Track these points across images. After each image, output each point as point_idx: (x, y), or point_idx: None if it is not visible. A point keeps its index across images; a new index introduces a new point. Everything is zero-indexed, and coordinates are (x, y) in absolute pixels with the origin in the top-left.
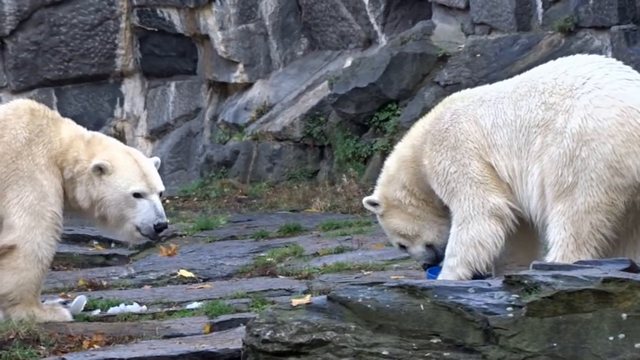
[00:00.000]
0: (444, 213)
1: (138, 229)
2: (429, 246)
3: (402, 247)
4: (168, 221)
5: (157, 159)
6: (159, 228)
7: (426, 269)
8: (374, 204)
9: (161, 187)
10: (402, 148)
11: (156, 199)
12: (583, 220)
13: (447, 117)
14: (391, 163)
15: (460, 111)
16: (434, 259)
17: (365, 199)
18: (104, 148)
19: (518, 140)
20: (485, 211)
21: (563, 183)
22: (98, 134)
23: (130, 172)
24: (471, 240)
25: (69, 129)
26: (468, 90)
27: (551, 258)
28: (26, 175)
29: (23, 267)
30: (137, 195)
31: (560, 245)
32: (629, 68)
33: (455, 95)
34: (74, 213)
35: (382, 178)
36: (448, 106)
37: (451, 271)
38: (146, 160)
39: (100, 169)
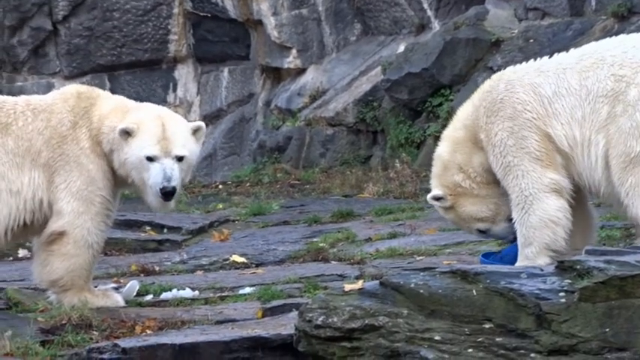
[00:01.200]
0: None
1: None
2: (511, 219)
3: (482, 232)
4: (175, 185)
5: (200, 123)
6: (164, 192)
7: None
8: (439, 198)
9: (178, 152)
10: (453, 132)
11: (169, 163)
12: None
13: (500, 87)
14: (443, 149)
15: (515, 81)
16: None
17: (429, 196)
18: (136, 112)
19: (582, 109)
20: (545, 187)
21: (630, 153)
22: (144, 104)
23: (149, 135)
24: (541, 220)
25: (110, 103)
26: (517, 65)
27: None
28: (72, 159)
29: (73, 253)
30: (150, 159)
31: None
32: None
33: (504, 70)
34: (125, 187)
35: (436, 169)
36: (499, 78)
37: (532, 262)
38: (177, 124)
39: (127, 133)
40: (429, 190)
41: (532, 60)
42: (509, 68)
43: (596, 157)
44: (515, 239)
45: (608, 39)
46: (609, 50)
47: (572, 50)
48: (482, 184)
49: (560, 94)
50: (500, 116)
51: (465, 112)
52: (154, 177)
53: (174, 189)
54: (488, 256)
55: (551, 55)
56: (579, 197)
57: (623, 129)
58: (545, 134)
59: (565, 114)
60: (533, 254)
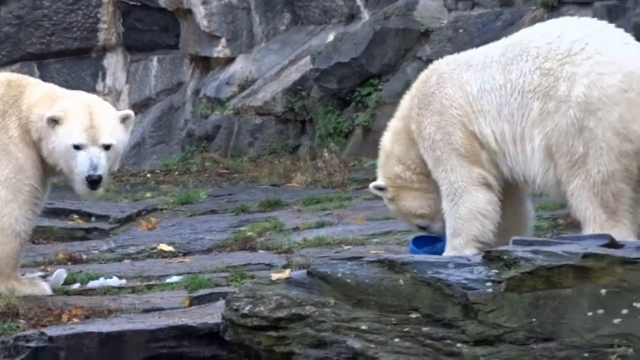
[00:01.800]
0: None
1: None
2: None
3: (423, 227)
4: (101, 174)
5: (129, 112)
6: (90, 180)
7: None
8: (381, 188)
9: (105, 140)
10: (394, 122)
11: (95, 151)
12: (604, 191)
13: (432, 80)
14: (385, 139)
15: (446, 75)
16: None
17: (371, 185)
18: (64, 100)
19: (509, 105)
20: (474, 180)
21: (575, 154)
22: (74, 92)
23: (76, 123)
24: (470, 212)
25: (39, 91)
26: (455, 54)
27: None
28: (1, 148)
29: (0, 241)
30: (77, 147)
31: (593, 220)
32: (621, 31)
33: (440, 60)
34: (55, 176)
35: (380, 159)
36: (433, 69)
37: (459, 253)
38: (105, 112)
39: (54, 121)
40: (356, 180)
41: (468, 50)
42: (445, 59)
43: (532, 151)
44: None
45: (533, 27)
46: (533, 41)
47: (501, 40)
48: (421, 177)
49: (485, 90)
50: (429, 110)
51: (404, 102)
52: (81, 165)
53: (100, 177)
54: (419, 245)
55: (481, 45)
56: (516, 194)
57: (561, 127)
58: (470, 132)
59: (492, 110)
60: (461, 245)
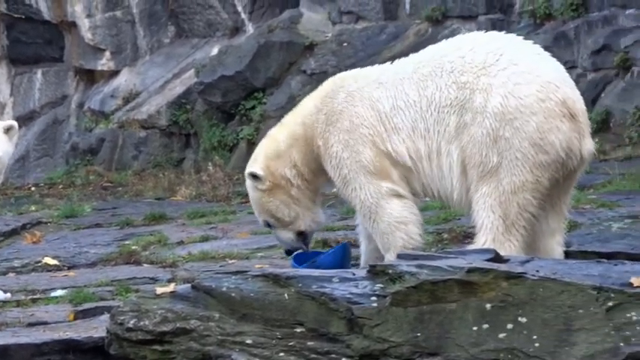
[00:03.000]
0: (318, 200)
1: None
2: (301, 233)
3: (269, 226)
4: None
5: (12, 122)
6: None
7: (290, 255)
8: (256, 177)
9: None
10: (293, 125)
11: None
12: (510, 201)
13: (340, 97)
14: (281, 137)
15: (355, 93)
16: (299, 247)
17: (248, 171)
18: None
19: (425, 121)
20: (384, 194)
21: (488, 163)
22: None
23: None
24: (389, 225)
25: None
26: (359, 70)
27: (480, 242)
28: None
29: None
30: None
31: (489, 228)
32: (530, 42)
33: (346, 75)
34: None
35: (269, 150)
36: (340, 85)
37: None
38: None
39: None
40: (241, 194)
41: (374, 66)
42: (352, 75)
43: (449, 167)
44: (290, 252)
45: (443, 43)
46: (446, 56)
47: (410, 57)
48: (306, 188)
49: (399, 108)
50: (337, 127)
51: (306, 109)
52: None
53: None
54: (299, 261)
55: (366, 59)
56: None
57: (476, 138)
58: (380, 150)
59: (406, 128)
60: (394, 258)
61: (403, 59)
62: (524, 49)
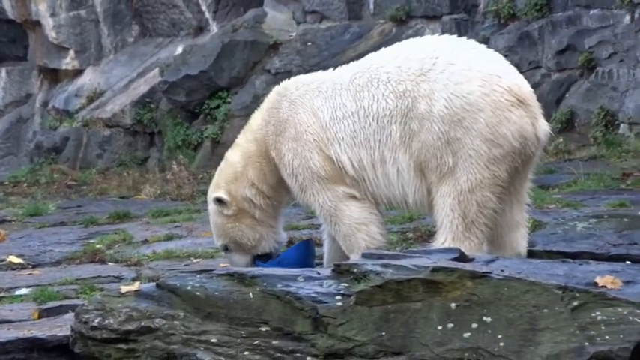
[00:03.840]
0: (280, 220)
1: None
2: (262, 255)
3: (226, 249)
4: None
5: None
6: None
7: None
8: (222, 202)
9: None
10: (245, 143)
11: None
12: (469, 200)
13: (284, 106)
14: (235, 158)
15: (297, 100)
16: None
17: (213, 196)
18: None
19: (364, 131)
20: (341, 197)
21: (444, 165)
22: None
23: None
24: (350, 227)
25: None
26: (301, 77)
27: (440, 241)
28: None
29: None
30: None
31: (449, 227)
32: (464, 38)
33: (288, 83)
34: None
35: (227, 174)
36: (283, 94)
37: None
38: None
39: None
40: (205, 193)
41: (317, 73)
42: (294, 82)
43: (397, 174)
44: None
45: (379, 52)
46: (382, 67)
47: (350, 65)
48: (268, 207)
49: (337, 118)
50: (285, 137)
51: (255, 124)
52: None
53: None
54: (264, 259)
55: (330, 58)
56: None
57: (428, 143)
58: (327, 156)
59: (346, 138)
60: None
61: (344, 67)
62: (459, 46)
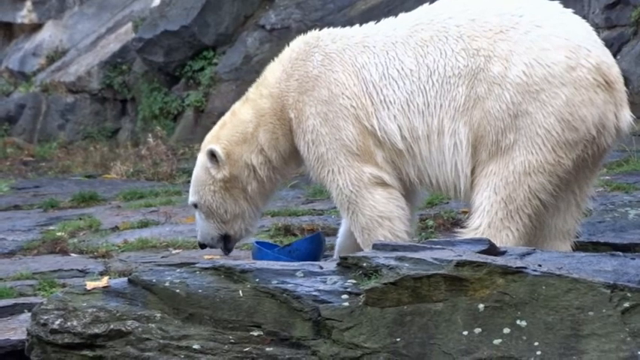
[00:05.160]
0: (265, 206)
1: None
2: (227, 236)
3: (196, 207)
4: None
5: None
6: None
7: (203, 248)
8: (215, 158)
9: None
10: (258, 98)
11: None
12: (520, 183)
13: (316, 60)
14: (247, 116)
15: (334, 56)
16: (215, 247)
17: (211, 147)
18: None
19: (424, 94)
20: (365, 183)
21: (502, 142)
22: None
23: None
24: (371, 220)
25: None
26: (335, 29)
27: (473, 225)
28: None
29: None
30: None
31: (487, 211)
32: None
33: (320, 33)
34: None
35: (233, 133)
36: (315, 45)
37: None
38: None
39: None
40: (187, 171)
41: (355, 26)
42: (328, 33)
43: (453, 149)
44: (204, 245)
45: (439, 2)
46: (452, 19)
47: (400, 17)
48: (270, 181)
49: (390, 77)
50: (313, 97)
51: (273, 76)
52: None
53: None
54: (266, 245)
55: (336, 12)
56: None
57: (492, 113)
58: (364, 128)
59: (399, 102)
60: None
61: (391, 19)
62: (545, 7)
